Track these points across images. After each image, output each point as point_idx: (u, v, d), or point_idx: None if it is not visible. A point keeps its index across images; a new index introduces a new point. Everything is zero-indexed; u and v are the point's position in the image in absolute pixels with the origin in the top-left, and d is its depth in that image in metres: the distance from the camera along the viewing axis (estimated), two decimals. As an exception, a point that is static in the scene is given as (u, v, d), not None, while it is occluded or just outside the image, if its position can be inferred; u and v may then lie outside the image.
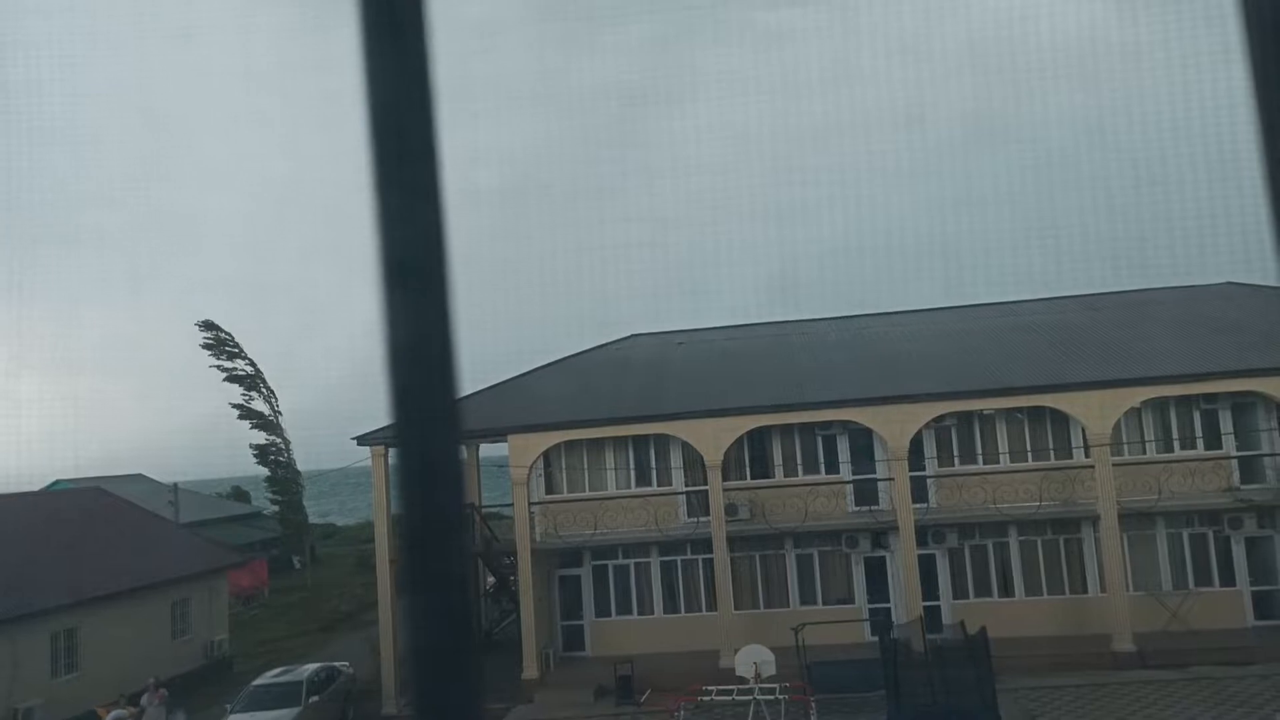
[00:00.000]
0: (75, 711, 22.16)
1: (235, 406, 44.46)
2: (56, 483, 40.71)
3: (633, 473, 25.09)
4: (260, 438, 45.20)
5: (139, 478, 45.60)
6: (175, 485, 41.42)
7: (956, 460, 24.21)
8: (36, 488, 36.94)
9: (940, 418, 23.31)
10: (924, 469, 23.89)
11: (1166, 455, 23.25)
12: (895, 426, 22.58)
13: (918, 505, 22.89)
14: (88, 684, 23.09)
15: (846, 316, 30.44)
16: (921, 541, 22.81)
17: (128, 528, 28.94)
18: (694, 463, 23.99)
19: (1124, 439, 23.09)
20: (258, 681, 20.98)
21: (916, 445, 23.28)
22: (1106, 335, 25.02)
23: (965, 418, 23.91)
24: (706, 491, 23.31)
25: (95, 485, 34.32)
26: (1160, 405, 23.26)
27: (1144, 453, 23.38)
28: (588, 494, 24.81)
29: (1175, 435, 23.50)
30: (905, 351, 26.04)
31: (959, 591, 23.79)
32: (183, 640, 26.64)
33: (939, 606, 23.35)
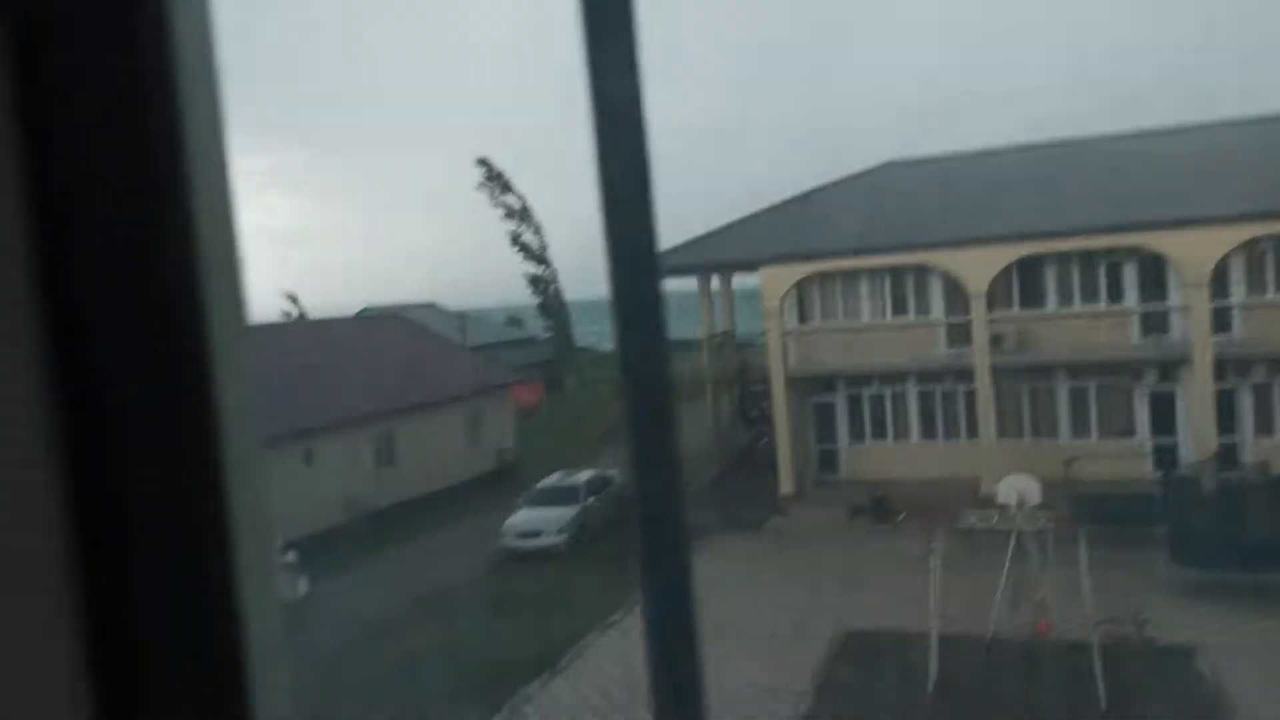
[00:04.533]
0: (396, 500, 26.10)
1: (510, 237, 47.68)
2: (364, 310, 46.38)
3: (888, 303, 24.42)
4: (532, 269, 48.45)
5: (431, 306, 50.82)
6: (462, 313, 45.83)
7: (1272, 288, 21.26)
8: (349, 314, 42.25)
9: (1253, 240, 20.39)
10: (1228, 296, 21.25)
11: None
12: (1195, 251, 20.09)
13: (1219, 336, 20.55)
14: (405, 479, 27.01)
15: (1134, 134, 26.70)
16: (1221, 376, 20.61)
17: (426, 349, 32.67)
18: (955, 291, 22.88)
19: None
20: (542, 484, 23.54)
21: (1220, 272, 20.65)
22: None
23: (1287, 238, 20.78)
24: (968, 322, 22.27)
25: (395, 313, 38.77)
26: None
27: None
28: (842, 323, 24.55)
29: None
30: (1209, 167, 22.66)
31: (1262, 428, 21.47)
32: (476, 447, 30.16)
33: (1237, 444, 21.27)
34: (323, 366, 27.38)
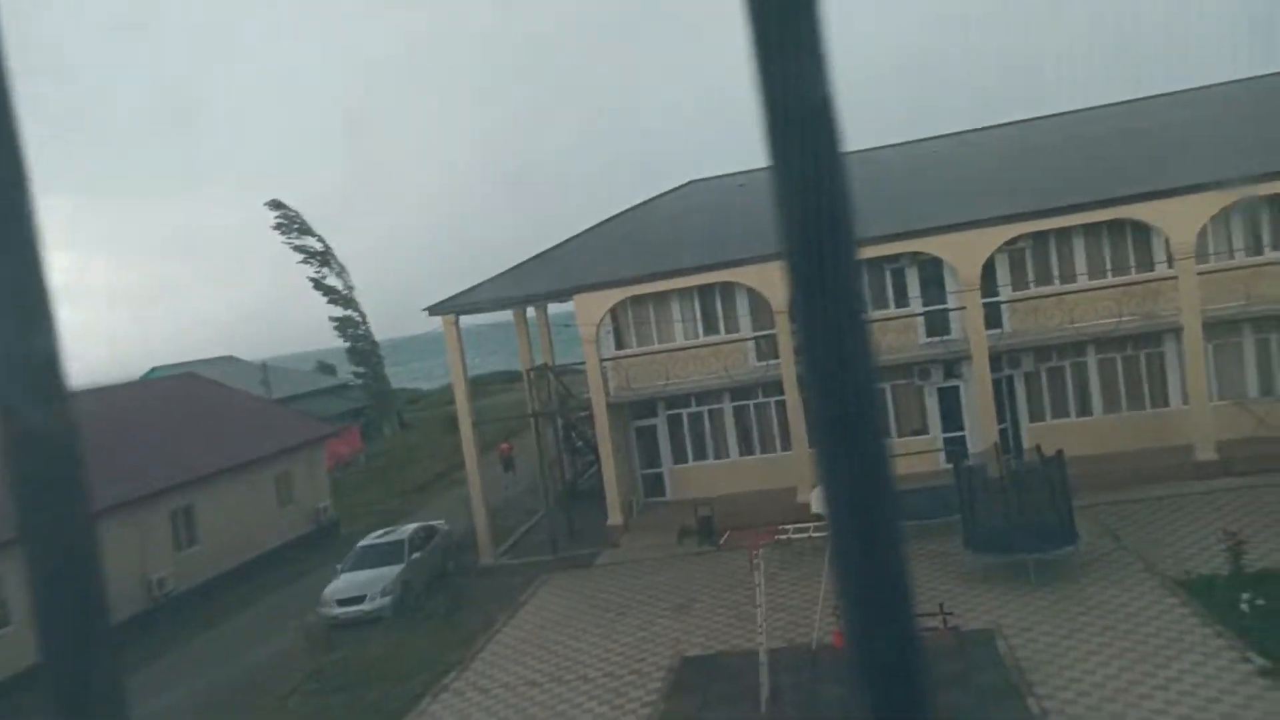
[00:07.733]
0: (201, 580, 24.14)
1: (311, 281, 45.53)
2: (153, 371, 42.91)
3: (700, 323, 25.11)
4: (337, 311, 46.45)
5: (229, 359, 47.68)
6: (264, 364, 43.27)
7: (1032, 283, 23.50)
8: (135, 376, 38.95)
9: (1013, 240, 22.46)
10: (997, 294, 23.29)
11: (1256, 259, 22.09)
12: (966, 253, 21.89)
13: (991, 331, 22.46)
14: (209, 555, 25.04)
15: (902, 143, 29.00)
16: (996, 367, 22.51)
17: (225, 408, 30.54)
18: (761, 307, 23.83)
19: (1211, 247, 21.95)
20: (363, 543, 22.42)
21: (989, 270, 22.60)
22: (1186, 135, 23.37)
23: (1040, 238, 23.00)
24: (775, 335, 23.24)
25: (189, 370, 36.05)
26: (1250, 207, 21.88)
27: (1231, 258, 22.24)
28: (657, 347, 25.01)
29: (1266, 239, 22.22)
30: (970, 174, 24.89)
31: (1035, 415, 23.63)
32: (290, 509, 28.47)
33: (1015, 432, 23.27)
34: (105, 439, 25.00)
